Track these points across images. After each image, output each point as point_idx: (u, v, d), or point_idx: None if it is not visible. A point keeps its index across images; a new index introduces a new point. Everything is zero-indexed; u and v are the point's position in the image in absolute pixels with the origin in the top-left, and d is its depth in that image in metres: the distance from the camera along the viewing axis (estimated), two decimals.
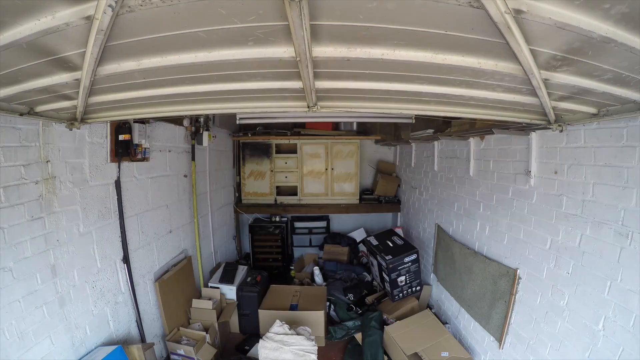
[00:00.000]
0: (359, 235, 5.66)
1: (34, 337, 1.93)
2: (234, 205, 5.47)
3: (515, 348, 2.54)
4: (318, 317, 3.63)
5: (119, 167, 2.66)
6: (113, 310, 2.61)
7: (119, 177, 2.66)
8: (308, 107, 1.81)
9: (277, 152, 5.55)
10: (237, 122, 4.33)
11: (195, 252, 3.98)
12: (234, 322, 3.95)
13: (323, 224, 5.79)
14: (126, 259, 2.73)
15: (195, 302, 3.61)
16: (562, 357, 2.10)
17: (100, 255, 2.49)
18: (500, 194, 2.84)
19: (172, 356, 3.14)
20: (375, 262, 4.17)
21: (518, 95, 1.59)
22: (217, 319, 3.56)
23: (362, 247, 5.51)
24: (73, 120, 1.97)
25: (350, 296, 4.19)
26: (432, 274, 4.10)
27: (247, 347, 3.62)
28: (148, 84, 1.55)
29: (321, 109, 1.85)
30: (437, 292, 3.98)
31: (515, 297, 2.55)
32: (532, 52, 1.12)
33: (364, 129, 5.57)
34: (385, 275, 3.88)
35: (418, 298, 4.02)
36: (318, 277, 4.71)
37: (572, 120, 1.85)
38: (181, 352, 3.08)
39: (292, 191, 5.65)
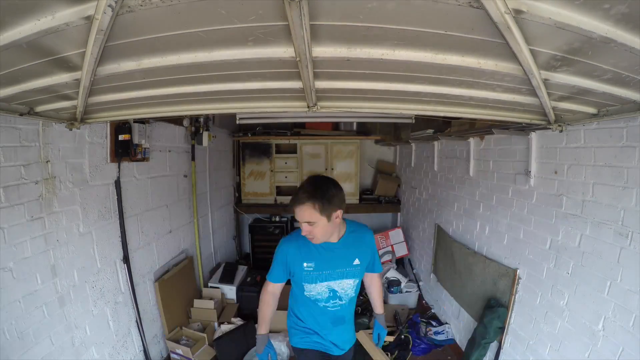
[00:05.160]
0: None
1: (34, 337, 1.93)
2: (233, 206, 5.47)
3: (515, 348, 2.54)
4: None
5: (119, 167, 2.66)
6: (113, 310, 2.61)
7: (118, 177, 2.66)
8: (308, 107, 1.81)
9: (277, 152, 5.54)
10: (237, 122, 4.34)
11: (195, 252, 3.98)
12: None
13: None
14: (126, 259, 2.73)
15: (197, 302, 3.61)
16: (561, 357, 2.11)
17: (100, 255, 2.49)
18: (500, 194, 2.84)
19: (172, 355, 3.15)
20: None
21: (518, 95, 1.58)
22: (218, 318, 3.57)
23: None
24: (73, 120, 1.97)
25: None
26: (432, 274, 4.10)
27: None
28: (148, 84, 1.54)
29: (321, 109, 1.85)
30: (437, 292, 3.98)
31: (515, 297, 2.55)
32: (532, 52, 1.12)
33: (364, 129, 5.56)
34: None
35: None
36: None
37: (572, 121, 1.85)
38: (179, 352, 3.09)
39: (292, 191, 5.62)
